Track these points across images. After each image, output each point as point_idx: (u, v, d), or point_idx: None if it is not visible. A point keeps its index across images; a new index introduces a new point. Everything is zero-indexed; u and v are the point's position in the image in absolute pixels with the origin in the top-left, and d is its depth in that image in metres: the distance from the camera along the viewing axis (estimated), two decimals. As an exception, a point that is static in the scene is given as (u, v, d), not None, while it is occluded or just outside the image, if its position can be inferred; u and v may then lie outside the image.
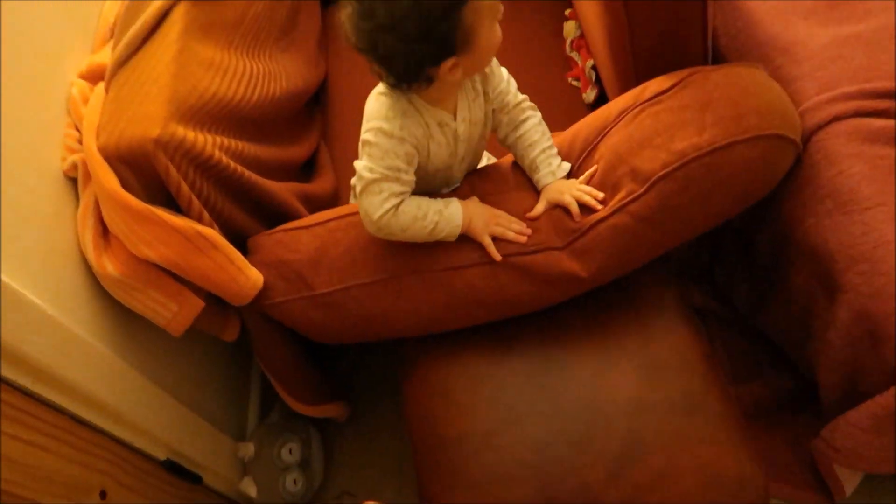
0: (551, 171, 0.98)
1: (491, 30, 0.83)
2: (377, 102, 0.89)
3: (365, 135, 0.89)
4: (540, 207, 0.97)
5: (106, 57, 0.97)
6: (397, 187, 0.88)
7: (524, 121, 1.00)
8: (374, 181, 0.87)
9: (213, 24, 1.06)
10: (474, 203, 0.96)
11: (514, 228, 0.95)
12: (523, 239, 0.95)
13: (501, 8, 0.84)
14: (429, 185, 0.99)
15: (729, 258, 1.26)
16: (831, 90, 1.03)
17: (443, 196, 0.98)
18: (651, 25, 1.00)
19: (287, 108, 1.25)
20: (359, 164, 0.89)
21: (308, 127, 1.38)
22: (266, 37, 1.24)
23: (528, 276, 0.95)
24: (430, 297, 0.96)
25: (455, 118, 0.93)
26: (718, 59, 1.21)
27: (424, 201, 0.92)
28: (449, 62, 0.81)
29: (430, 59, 0.81)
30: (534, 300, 0.99)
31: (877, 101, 1.01)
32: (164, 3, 1.00)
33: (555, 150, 1.01)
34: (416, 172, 0.92)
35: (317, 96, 1.46)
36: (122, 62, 0.95)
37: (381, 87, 0.89)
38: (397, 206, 0.89)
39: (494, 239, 0.94)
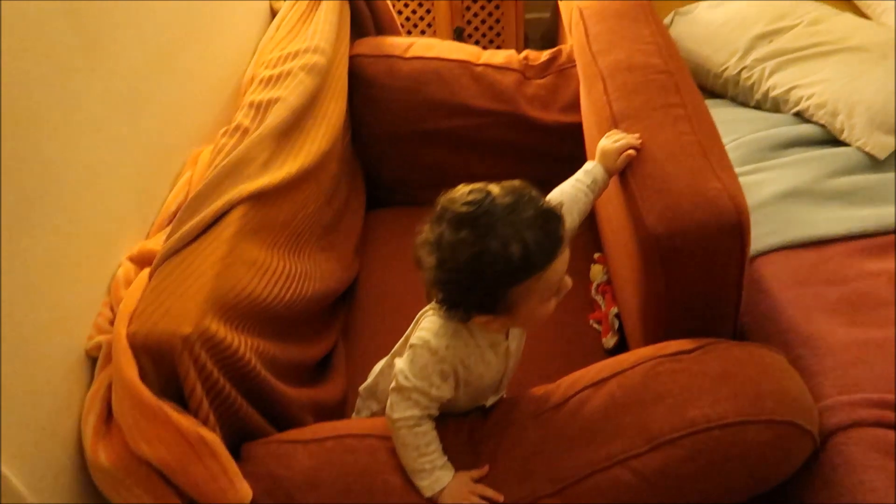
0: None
1: (540, 304, 0.87)
2: (434, 316, 0.92)
3: (414, 339, 0.92)
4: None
5: (158, 244, 1.02)
6: (424, 401, 0.90)
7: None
8: (405, 388, 0.89)
9: (264, 226, 1.12)
10: (459, 481, 0.93)
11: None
12: None
13: (569, 284, 0.88)
14: (477, 398, 1.00)
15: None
16: (852, 393, 1.04)
17: (486, 405, 0.99)
18: (687, 292, 1.03)
19: (315, 308, 1.28)
20: (400, 363, 0.92)
21: (329, 325, 1.39)
22: (309, 236, 1.31)
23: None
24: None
25: (507, 337, 0.96)
26: (740, 336, 1.24)
27: (434, 444, 0.92)
28: (484, 318, 0.85)
29: (473, 307, 0.85)
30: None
31: (900, 413, 1.01)
32: (225, 202, 1.06)
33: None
34: (466, 389, 0.94)
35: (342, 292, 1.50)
36: (172, 253, 0.99)
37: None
38: (417, 421, 0.90)
39: None
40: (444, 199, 0.86)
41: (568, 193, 1.02)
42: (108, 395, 0.90)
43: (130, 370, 0.86)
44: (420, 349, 0.90)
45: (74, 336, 0.91)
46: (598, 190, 1.04)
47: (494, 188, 0.84)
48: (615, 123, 1.12)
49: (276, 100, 1.27)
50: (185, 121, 1.21)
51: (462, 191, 0.85)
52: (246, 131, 1.21)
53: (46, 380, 0.85)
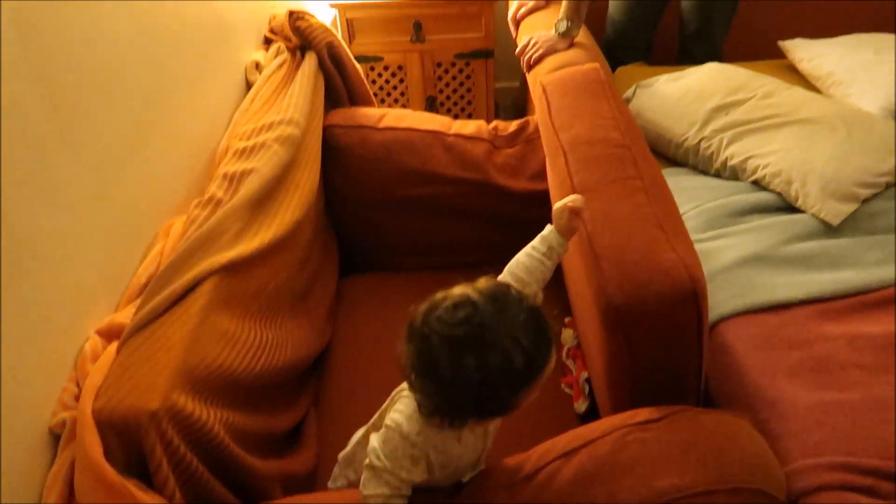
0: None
1: (536, 392, 0.86)
2: (409, 399, 0.89)
3: (388, 420, 0.90)
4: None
5: (127, 317, 1.01)
6: (394, 482, 0.88)
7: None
8: (376, 468, 0.87)
9: (236, 296, 1.13)
10: None
11: None
12: None
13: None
14: (454, 475, 0.98)
15: None
16: (817, 456, 1.06)
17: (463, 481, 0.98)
18: (650, 360, 1.05)
19: (286, 377, 1.28)
20: (373, 440, 0.90)
21: (300, 393, 1.38)
22: (281, 304, 1.31)
23: None
24: None
25: None
26: (707, 399, 1.26)
27: None
28: (473, 421, 0.85)
29: (472, 417, 0.84)
30: None
31: (863, 477, 1.02)
32: (196, 274, 1.07)
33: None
34: (443, 470, 0.92)
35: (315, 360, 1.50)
36: (141, 326, 0.99)
37: None
38: (387, 499, 0.87)
39: None
40: (426, 317, 0.82)
41: (524, 265, 1.02)
42: (70, 474, 0.88)
43: (95, 448, 0.85)
44: (392, 432, 0.88)
45: (38, 412, 0.90)
46: (555, 256, 1.04)
47: (474, 294, 0.82)
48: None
49: (250, 171, 1.29)
50: (158, 192, 1.22)
51: (445, 306, 0.82)
52: (219, 202, 1.23)
53: (8, 457, 0.83)
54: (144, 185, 1.17)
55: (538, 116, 1.50)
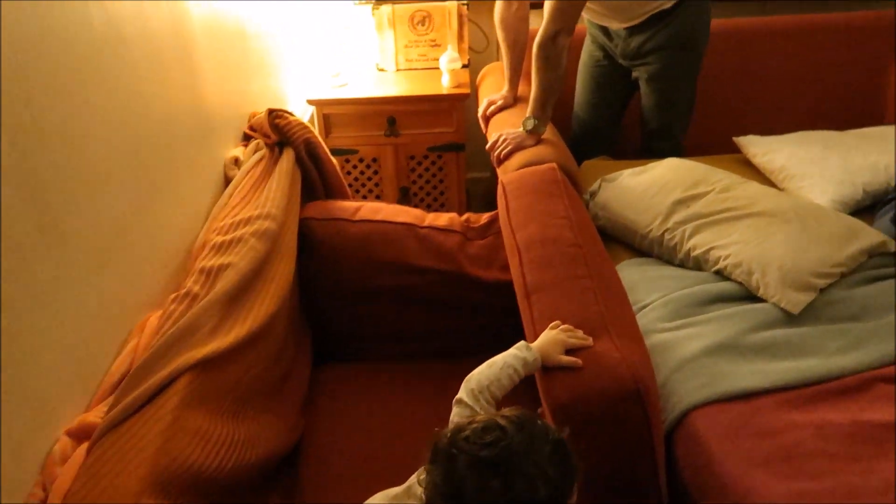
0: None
1: None
2: None
3: None
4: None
5: (99, 416, 1.00)
6: None
7: None
8: None
9: (209, 392, 1.12)
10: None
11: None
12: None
13: None
14: None
15: None
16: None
17: None
18: (603, 459, 1.07)
19: (257, 473, 1.25)
20: None
21: (272, 487, 1.35)
22: (255, 398, 1.30)
23: None
24: None
25: None
26: (681, 490, 1.26)
27: None
28: None
29: None
30: None
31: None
32: (171, 371, 1.07)
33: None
34: None
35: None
36: (113, 425, 0.97)
37: None
38: None
39: None
40: (453, 438, 0.83)
41: (504, 387, 1.04)
42: (32, 585, 0.85)
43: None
44: None
45: (2, 521, 0.87)
46: (524, 376, 1.07)
47: (502, 420, 0.83)
48: (528, 295, 1.22)
49: (227, 266, 1.31)
50: (135, 288, 1.23)
51: (473, 428, 0.83)
52: (195, 297, 1.24)
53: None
54: (122, 281, 1.18)
55: (500, 214, 1.57)
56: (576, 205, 1.46)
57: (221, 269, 1.30)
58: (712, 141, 2.27)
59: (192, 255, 1.42)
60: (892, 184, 1.90)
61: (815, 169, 1.95)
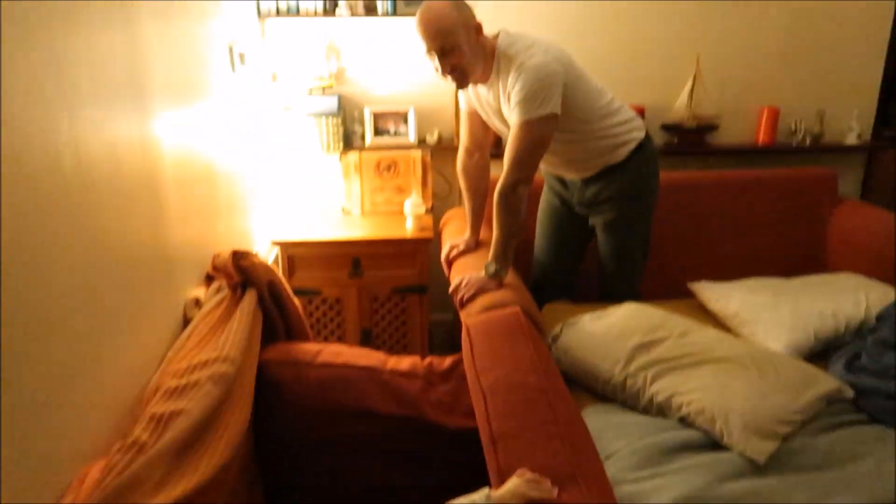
0: None
1: None
2: None
3: None
4: None
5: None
6: None
7: None
8: None
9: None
10: None
11: None
12: None
13: None
14: None
15: None
16: None
17: None
18: None
19: None
20: None
21: None
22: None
23: None
24: None
25: None
26: None
27: None
28: None
29: None
30: None
31: None
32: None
33: None
34: None
35: None
36: None
37: None
38: None
39: None
40: None
41: None
42: None
43: None
44: None
45: None
46: None
47: None
48: (494, 441, 1.20)
49: (179, 412, 1.25)
50: (76, 436, 1.16)
51: None
52: (142, 447, 1.17)
53: None
54: (64, 428, 1.11)
55: (464, 358, 1.56)
56: (540, 349, 1.47)
57: (173, 415, 1.24)
58: (668, 286, 2.34)
59: (143, 400, 1.36)
60: (842, 330, 1.96)
61: (767, 315, 2.01)
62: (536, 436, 1.20)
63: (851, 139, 2.92)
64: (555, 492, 1.07)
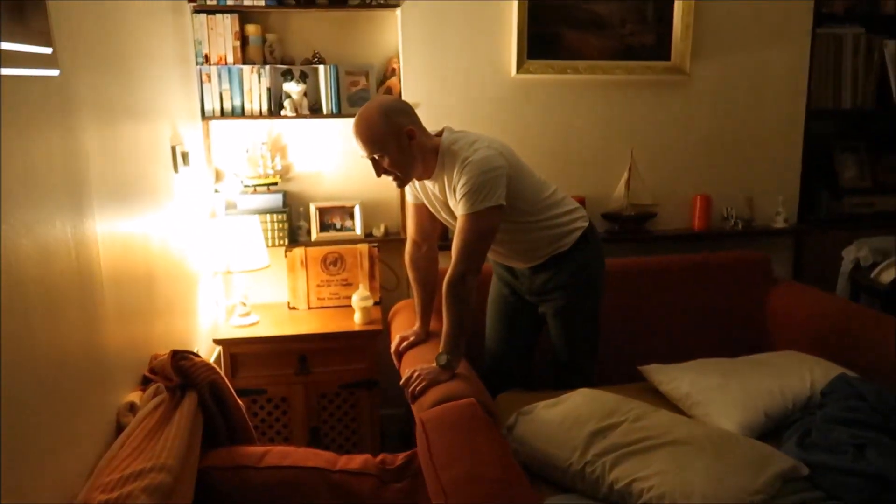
0: None
1: None
2: None
3: None
4: None
5: None
6: None
7: None
8: None
9: None
10: None
11: None
12: None
13: None
14: None
15: None
16: None
17: None
18: None
19: None
20: None
21: None
22: None
23: None
24: None
25: None
26: None
27: None
28: None
29: None
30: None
31: None
32: None
33: None
34: None
35: None
36: None
37: None
38: None
39: None
40: None
41: None
42: None
43: None
44: None
45: None
46: None
47: None
48: None
49: (109, 529, 1.15)
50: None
51: None
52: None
53: None
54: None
55: (419, 453, 1.50)
56: (498, 441, 1.43)
57: (102, 534, 1.14)
58: (620, 371, 2.34)
59: (67, 521, 1.25)
60: (790, 407, 1.99)
61: (717, 395, 2.02)
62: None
63: (780, 223, 3.07)
64: None
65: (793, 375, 2.09)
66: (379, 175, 1.95)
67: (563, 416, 1.84)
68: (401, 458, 1.68)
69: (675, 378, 2.15)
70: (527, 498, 1.25)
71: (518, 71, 2.78)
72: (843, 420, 1.79)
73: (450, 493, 1.25)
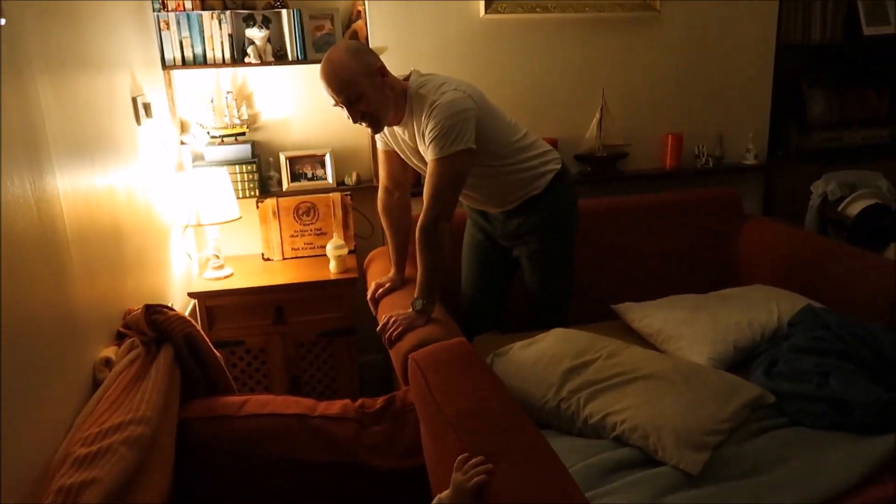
0: None
1: None
2: None
3: None
4: None
5: None
6: None
7: None
8: None
9: None
10: None
11: None
12: None
13: None
14: None
15: None
16: None
17: None
18: None
19: None
20: None
21: None
22: None
23: None
24: None
25: None
26: None
27: None
28: None
29: None
30: None
31: None
32: None
33: None
34: None
35: None
36: None
37: None
38: None
39: None
40: None
41: None
42: None
43: None
44: None
45: None
46: None
47: None
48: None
49: (90, 481, 1.16)
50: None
51: None
52: (50, 524, 1.07)
53: None
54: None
55: (414, 392, 1.52)
56: (492, 377, 1.45)
57: (83, 486, 1.15)
58: (594, 310, 2.38)
59: (48, 473, 1.25)
60: (758, 339, 2.04)
61: (688, 330, 2.07)
62: (517, 458, 1.18)
63: (750, 160, 3.10)
64: (490, 466, 1.13)
65: (761, 308, 2.14)
66: (356, 121, 1.88)
67: (538, 356, 1.87)
68: (380, 401, 1.70)
69: (647, 315, 2.20)
70: (530, 428, 1.28)
71: (487, 11, 2.72)
72: (808, 349, 1.85)
73: (457, 426, 1.26)
